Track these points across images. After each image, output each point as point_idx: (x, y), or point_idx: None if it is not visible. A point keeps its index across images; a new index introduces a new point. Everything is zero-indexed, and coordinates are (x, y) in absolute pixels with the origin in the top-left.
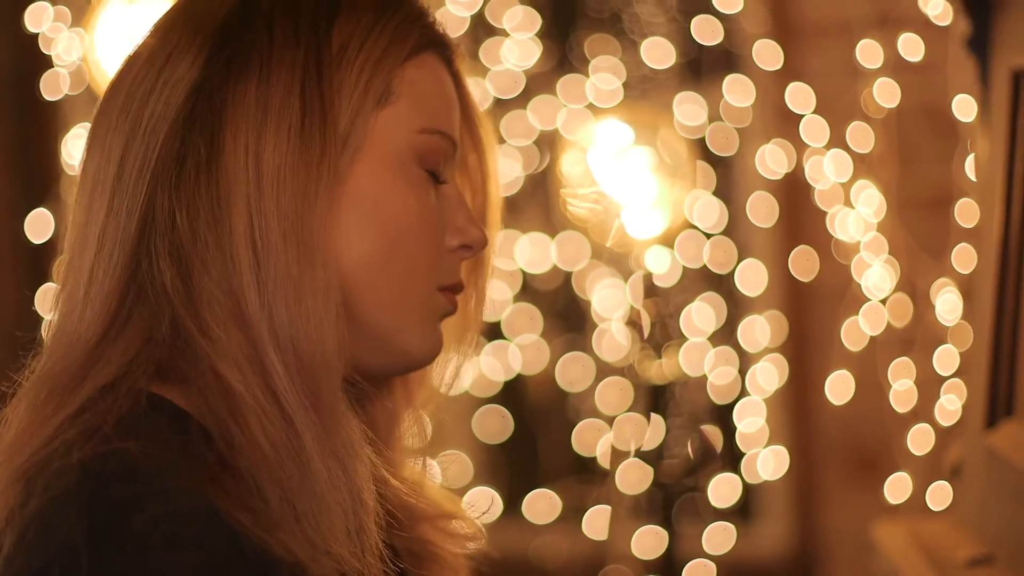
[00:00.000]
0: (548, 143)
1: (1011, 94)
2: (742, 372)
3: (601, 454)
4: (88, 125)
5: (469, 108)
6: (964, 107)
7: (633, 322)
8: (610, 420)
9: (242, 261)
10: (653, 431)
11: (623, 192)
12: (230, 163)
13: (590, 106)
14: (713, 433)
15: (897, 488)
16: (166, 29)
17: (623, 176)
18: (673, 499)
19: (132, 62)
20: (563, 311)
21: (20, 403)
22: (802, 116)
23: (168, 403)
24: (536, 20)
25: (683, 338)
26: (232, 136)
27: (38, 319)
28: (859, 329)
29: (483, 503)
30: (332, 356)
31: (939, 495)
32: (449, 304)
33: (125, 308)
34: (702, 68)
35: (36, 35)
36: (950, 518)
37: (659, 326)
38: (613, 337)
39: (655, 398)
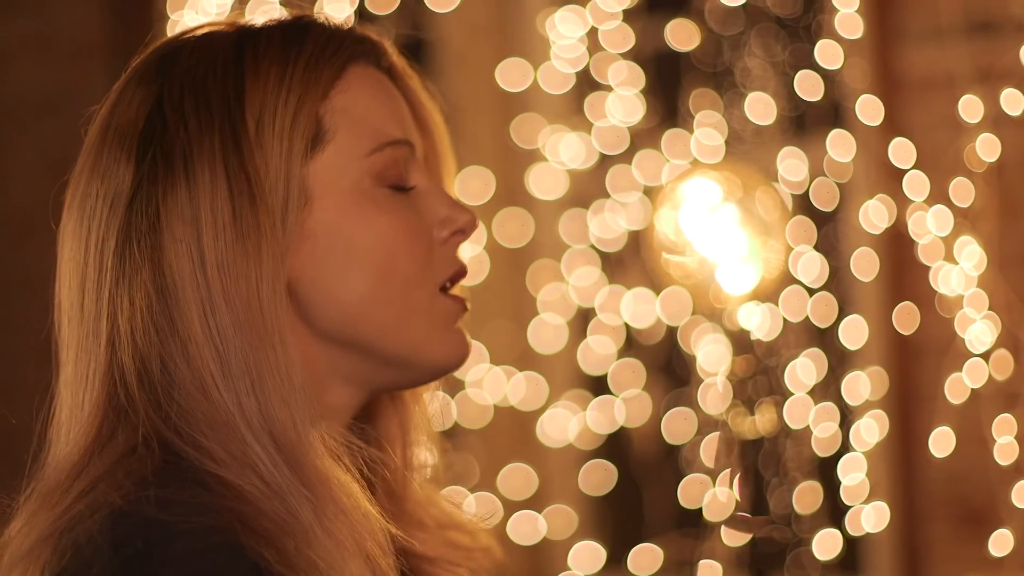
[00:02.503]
0: (652, 198)
1: None
2: (846, 427)
3: (705, 508)
4: None
5: (414, 99)
6: None
7: (731, 377)
8: (714, 474)
9: (205, 362)
10: (751, 486)
11: (717, 248)
12: (175, 270)
13: (694, 162)
14: (815, 488)
15: (1001, 543)
16: (96, 146)
17: (716, 232)
18: (774, 554)
19: (74, 184)
20: (667, 365)
21: (18, 520)
22: (904, 171)
23: (187, 465)
24: (640, 76)
25: (783, 393)
26: (172, 243)
27: None
28: (962, 384)
29: (486, 511)
30: (305, 430)
31: None
32: (454, 304)
33: (107, 428)
34: (805, 123)
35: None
36: None
37: (753, 381)
38: (717, 392)
39: (751, 453)
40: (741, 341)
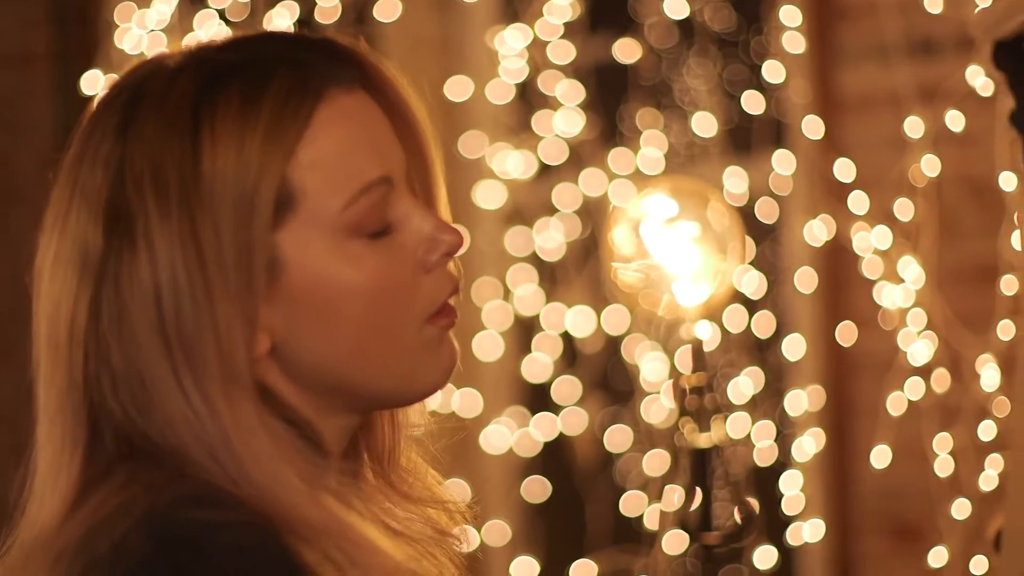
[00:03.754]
0: (597, 212)
1: None
2: (785, 442)
3: (646, 522)
4: None
5: (401, 114)
6: (1010, 181)
7: (678, 391)
8: (656, 488)
9: (186, 442)
10: (696, 500)
11: (671, 262)
12: (143, 352)
13: (638, 176)
14: (754, 503)
15: (937, 559)
16: (66, 205)
17: (670, 246)
18: (715, 568)
19: (46, 238)
20: (608, 379)
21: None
22: (845, 188)
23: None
24: (582, 91)
25: (727, 407)
26: (136, 323)
27: None
28: (901, 399)
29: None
30: (302, 495)
31: (979, 566)
32: (441, 324)
33: (90, 488)
34: (746, 140)
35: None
36: None
37: (703, 395)
38: (659, 406)
39: (698, 467)
40: (690, 355)
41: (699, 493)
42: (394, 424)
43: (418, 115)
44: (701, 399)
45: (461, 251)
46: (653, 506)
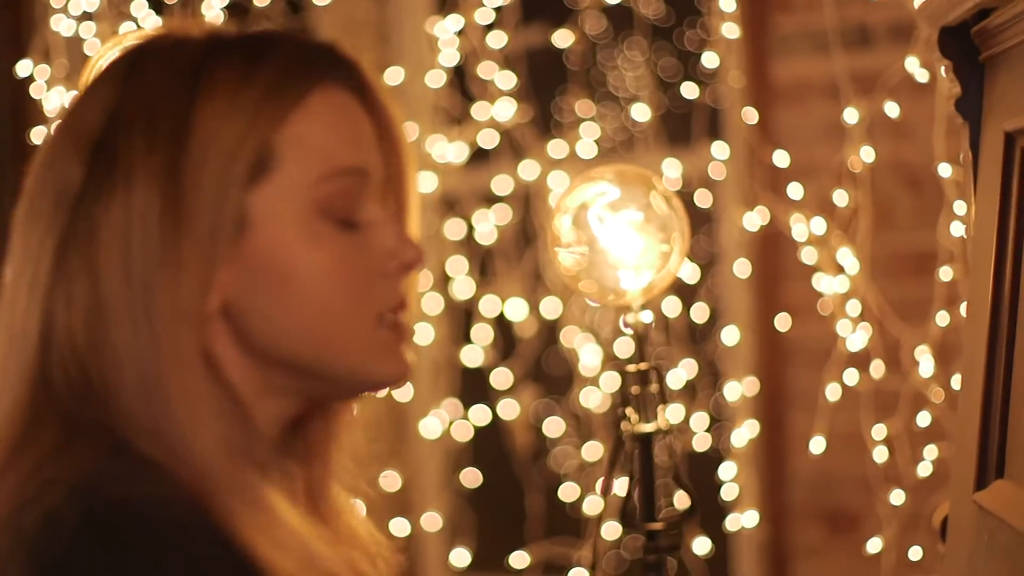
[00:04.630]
0: (533, 200)
1: (1003, 157)
2: (721, 430)
3: (584, 510)
4: None
5: (383, 122)
6: (947, 170)
7: (621, 378)
8: (593, 477)
9: (131, 376)
10: (638, 487)
11: (614, 248)
12: (106, 281)
13: (574, 164)
14: (690, 491)
15: (874, 546)
16: (55, 142)
17: (614, 233)
18: (658, 556)
19: (31, 175)
20: (546, 367)
21: None
22: (783, 176)
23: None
24: (516, 79)
25: (666, 395)
26: (104, 254)
27: None
28: (838, 388)
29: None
30: (220, 453)
31: (915, 553)
32: (392, 334)
33: (29, 425)
34: (686, 129)
35: (28, 82)
36: None
37: (646, 383)
38: (596, 394)
39: (641, 454)
40: (633, 342)
41: (642, 481)
42: (327, 466)
43: (401, 132)
44: (644, 386)
45: (418, 269)
46: (591, 495)
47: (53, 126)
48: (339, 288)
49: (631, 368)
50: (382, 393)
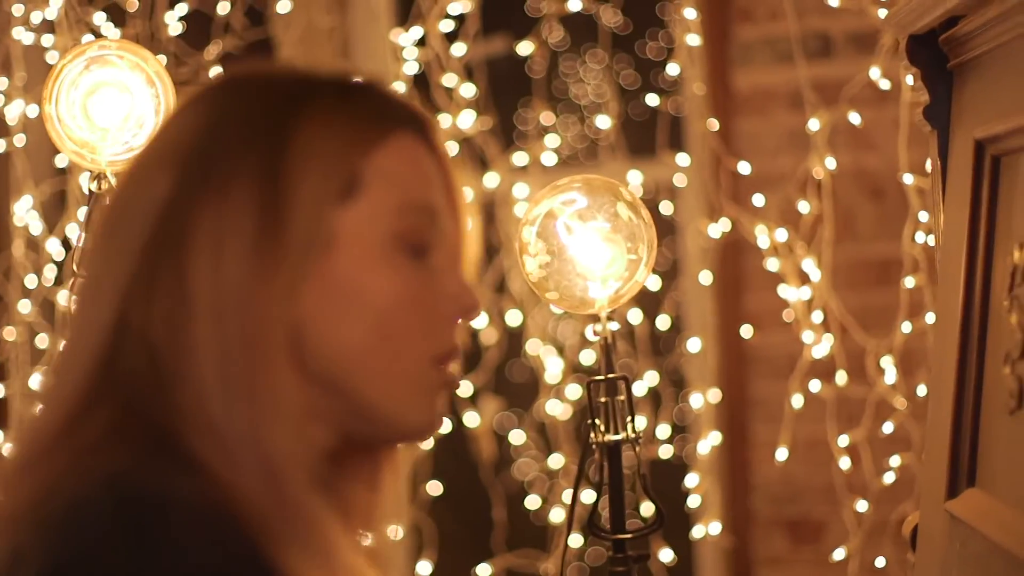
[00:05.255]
0: (496, 209)
1: (973, 164)
2: (684, 440)
3: (548, 521)
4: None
5: (448, 177)
6: (912, 179)
7: (588, 388)
8: (558, 487)
9: (207, 372)
10: (600, 498)
11: (582, 257)
12: (193, 280)
13: (536, 174)
14: (657, 502)
15: (839, 554)
16: (146, 156)
17: (580, 243)
18: (625, 568)
19: (119, 184)
20: (508, 377)
21: None
22: (746, 186)
23: (170, 452)
24: (477, 89)
25: (633, 405)
26: (194, 255)
27: None
28: (801, 398)
29: None
30: (291, 461)
31: (880, 562)
32: (444, 378)
33: (92, 403)
34: (649, 139)
35: None
36: None
37: (614, 392)
38: (560, 404)
39: (610, 464)
40: (600, 352)
41: (611, 491)
42: (367, 520)
43: (462, 191)
44: (613, 396)
45: (474, 319)
46: (556, 506)
47: (145, 144)
48: (405, 317)
49: (599, 378)
50: (412, 443)
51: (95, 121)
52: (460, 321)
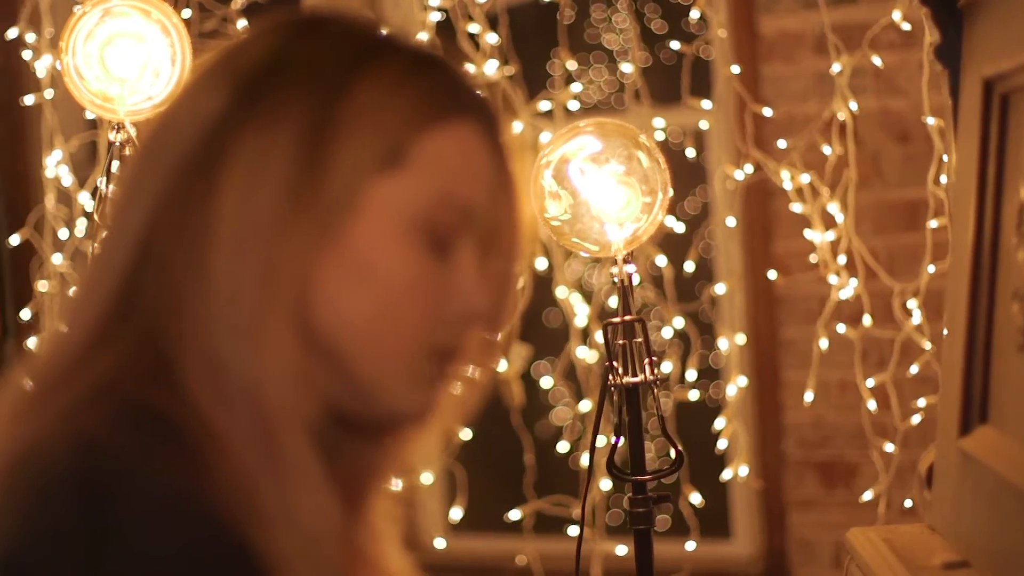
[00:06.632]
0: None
1: (982, 103)
2: (713, 383)
3: (577, 465)
4: (65, 141)
5: (506, 179)
6: (937, 122)
7: (606, 331)
8: (587, 431)
9: (216, 304)
10: (624, 440)
11: (597, 201)
12: (221, 208)
13: (563, 120)
14: (675, 444)
15: (868, 495)
16: (207, 68)
17: (597, 185)
18: (645, 510)
19: (172, 97)
20: (541, 322)
21: (6, 399)
22: (771, 131)
23: (155, 414)
24: (504, 36)
25: (656, 348)
26: (227, 182)
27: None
28: (828, 341)
29: None
30: (283, 407)
31: (908, 502)
32: (437, 369)
33: (115, 323)
34: (674, 85)
35: (18, 47)
36: (923, 524)
37: (631, 335)
38: (590, 348)
39: (628, 407)
40: (617, 295)
41: (629, 433)
42: (373, 484)
43: (519, 197)
44: (630, 339)
45: (475, 326)
46: (585, 451)
47: (206, 59)
48: (409, 300)
49: (615, 320)
50: (400, 428)
51: (112, 72)
52: (466, 322)
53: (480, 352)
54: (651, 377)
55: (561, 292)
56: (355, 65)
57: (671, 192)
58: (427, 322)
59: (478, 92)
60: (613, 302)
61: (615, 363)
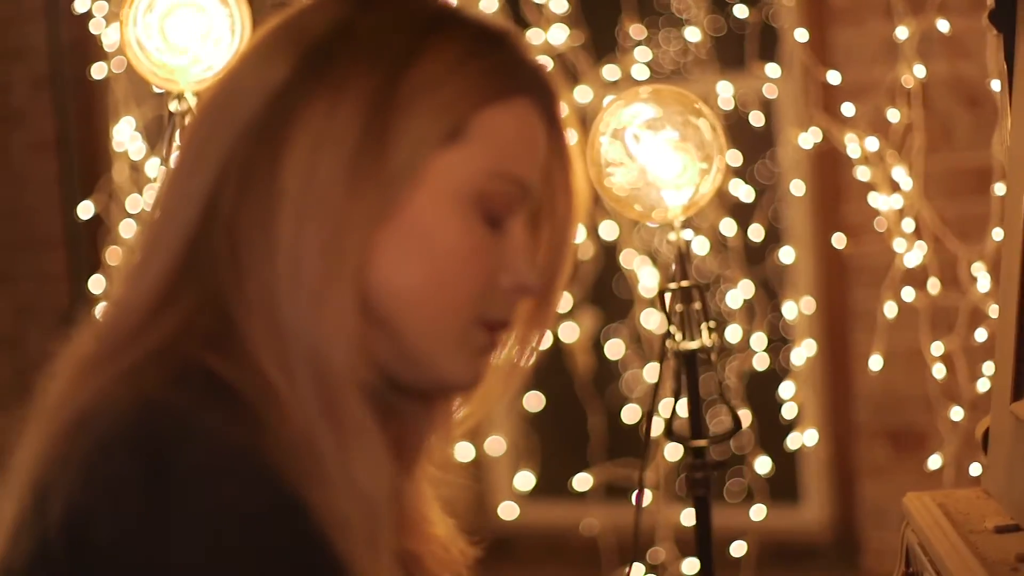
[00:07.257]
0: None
1: None
2: (781, 350)
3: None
4: (132, 112)
5: (563, 156)
6: (998, 85)
7: (664, 296)
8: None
9: (280, 269)
10: (687, 408)
11: (653, 167)
12: (286, 175)
13: (628, 87)
14: (745, 410)
15: (935, 463)
16: (269, 37)
17: (653, 151)
18: (710, 476)
19: (232, 63)
20: (606, 289)
21: (70, 360)
22: (838, 96)
23: (215, 376)
24: (568, 3)
25: (717, 313)
26: (292, 149)
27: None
28: (896, 307)
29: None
30: (344, 371)
31: (976, 469)
32: (487, 339)
33: (178, 285)
34: (741, 51)
35: (87, 18)
36: (978, 489)
37: (690, 301)
38: (652, 315)
39: (687, 373)
40: (676, 260)
41: (688, 398)
42: (421, 448)
43: (574, 173)
44: (687, 304)
45: (526, 299)
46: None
47: (268, 27)
48: (464, 272)
49: (672, 286)
50: (452, 395)
51: (172, 43)
52: (516, 295)
53: (532, 323)
54: (708, 343)
55: (626, 259)
56: (420, 38)
57: (729, 158)
58: (480, 293)
59: (538, 69)
60: (671, 265)
61: (672, 329)
